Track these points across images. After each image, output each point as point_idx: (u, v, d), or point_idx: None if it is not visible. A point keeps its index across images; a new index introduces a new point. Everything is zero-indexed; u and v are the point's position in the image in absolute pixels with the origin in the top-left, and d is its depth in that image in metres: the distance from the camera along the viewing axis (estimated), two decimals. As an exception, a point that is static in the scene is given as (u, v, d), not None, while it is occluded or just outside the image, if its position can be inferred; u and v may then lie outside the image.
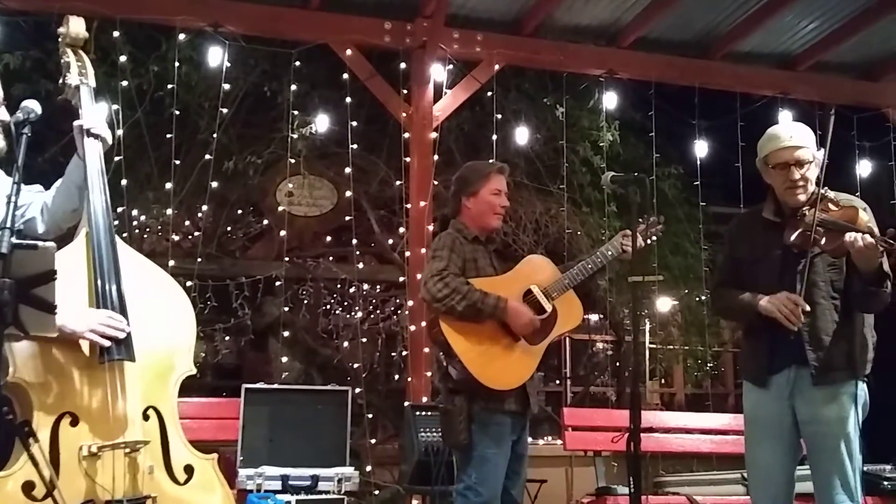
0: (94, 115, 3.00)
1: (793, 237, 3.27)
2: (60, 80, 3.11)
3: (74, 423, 2.64)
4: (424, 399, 5.43)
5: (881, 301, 3.28)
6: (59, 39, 3.13)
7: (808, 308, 3.23)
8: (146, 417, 2.76)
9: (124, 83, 5.71)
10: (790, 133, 3.38)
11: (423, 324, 5.17)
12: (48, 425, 2.61)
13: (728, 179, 6.33)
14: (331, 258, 7.56)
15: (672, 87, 6.62)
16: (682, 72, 6.56)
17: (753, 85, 6.75)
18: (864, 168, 6.99)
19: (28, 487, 2.51)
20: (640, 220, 3.62)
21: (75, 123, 2.97)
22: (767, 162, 3.41)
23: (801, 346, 3.31)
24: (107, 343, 2.66)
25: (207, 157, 5.95)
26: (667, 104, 6.55)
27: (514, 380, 3.62)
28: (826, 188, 3.34)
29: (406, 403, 5.26)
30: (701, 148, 6.70)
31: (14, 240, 2.34)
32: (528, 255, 4.48)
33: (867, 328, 3.39)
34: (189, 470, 2.80)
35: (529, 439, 3.89)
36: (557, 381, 9.27)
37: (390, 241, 7.32)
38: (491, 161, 4.61)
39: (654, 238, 4.00)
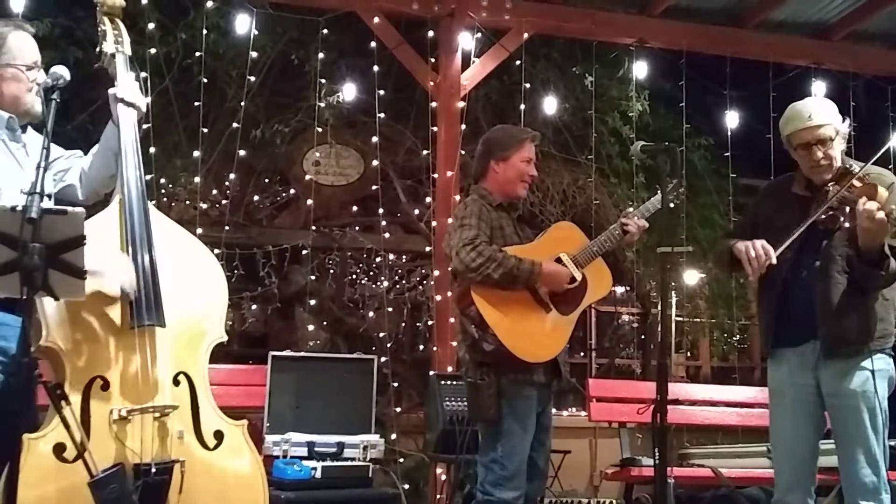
0: (129, 83, 3.02)
1: (818, 214, 3.25)
2: (97, 48, 3.13)
3: (105, 387, 2.68)
4: (449, 369, 5.44)
5: (882, 281, 3.25)
6: (97, 8, 3.16)
7: (774, 262, 3.21)
8: (177, 383, 2.80)
9: (152, 51, 5.71)
10: (809, 112, 3.34)
11: (450, 294, 5.17)
12: (79, 389, 2.65)
13: (758, 151, 6.24)
14: (357, 228, 7.55)
15: (703, 57, 6.51)
16: (714, 41, 6.46)
17: (786, 55, 6.64)
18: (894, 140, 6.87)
19: (59, 449, 2.56)
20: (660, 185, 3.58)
21: (110, 91, 3.00)
22: (789, 142, 3.39)
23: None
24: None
25: (235, 125, 5.96)
26: (697, 74, 6.46)
27: (547, 352, 3.60)
28: (853, 164, 3.31)
29: (431, 373, 5.28)
30: (732, 119, 6.61)
31: (44, 205, 2.36)
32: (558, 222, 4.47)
33: (889, 301, 3.36)
34: (219, 435, 2.83)
35: (553, 410, 3.88)
36: (582, 353, 9.24)
37: (416, 211, 7.31)
38: (524, 127, 4.52)
39: (674, 203, 3.87)
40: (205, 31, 5.71)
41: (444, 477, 5.34)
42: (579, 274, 3.67)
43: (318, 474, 4.33)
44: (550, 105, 6.56)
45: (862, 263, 3.20)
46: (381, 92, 6.01)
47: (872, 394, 3.26)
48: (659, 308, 3.66)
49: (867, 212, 3.06)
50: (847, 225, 3.19)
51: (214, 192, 7.02)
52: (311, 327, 7.66)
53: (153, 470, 2.63)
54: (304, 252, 6.91)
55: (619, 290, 8.58)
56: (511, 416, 3.54)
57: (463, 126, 5.88)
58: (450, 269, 3.79)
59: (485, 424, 3.64)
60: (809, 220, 3.21)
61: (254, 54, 5.84)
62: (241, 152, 6.06)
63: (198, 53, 5.74)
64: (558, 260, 3.67)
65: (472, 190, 3.85)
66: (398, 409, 6.29)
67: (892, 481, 3.44)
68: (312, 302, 7.24)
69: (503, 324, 3.49)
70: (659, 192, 3.63)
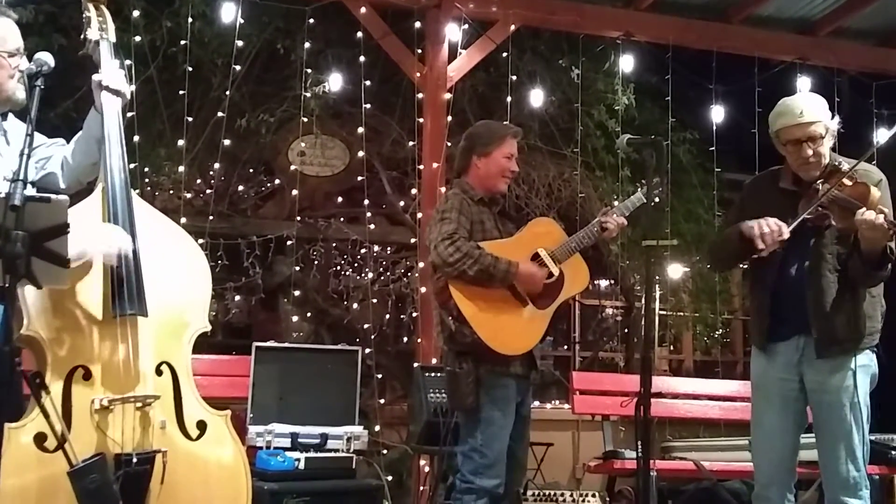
0: (113, 70, 3.00)
1: (809, 211, 3.25)
2: (81, 35, 3.11)
3: (87, 376, 2.67)
4: (434, 360, 5.44)
5: (879, 280, 3.28)
6: None
7: (786, 236, 3.20)
8: (159, 372, 2.78)
9: (137, 39, 5.67)
10: (800, 108, 3.32)
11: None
12: (61, 378, 2.63)
13: (743, 146, 6.27)
14: (342, 219, 7.53)
15: (689, 51, 6.52)
16: (700, 35, 6.47)
17: (771, 50, 6.66)
18: (882, 136, 6.90)
19: (40, 439, 2.54)
20: (640, 183, 3.61)
21: (94, 78, 2.97)
22: (779, 138, 3.38)
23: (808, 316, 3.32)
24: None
25: (220, 114, 5.93)
26: (683, 68, 6.47)
27: (523, 345, 3.65)
28: (842, 161, 3.31)
29: (415, 365, 5.27)
30: (717, 113, 6.63)
31: (27, 192, 2.34)
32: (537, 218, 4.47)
33: (876, 298, 3.38)
34: (202, 426, 2.82)
35: (537, 403, 3.92)
36: (566, 346, 9.27)
37: (402, 203, 7.30)
38: (506, 123, 4.54)
39: (657, 199, 3.90)
40: (190, 20, 5.66)
41: (427, 468, 5.34)
42: (556, 269, 3.71)
43: (302, 465, 4.31)
44: (537, 98, 6.56)
45: (864, 265, 3.20)
46: (368, 83, 6.00)
47: (856, 390, 3.27)
48: (643, 302, 3.67)
49: (867, 221, 3.06)
50: (835, 224, 3.20)
51: (199, 181, 6.98)
52: (295, 318, 7.64)
53: (134, 460, 2.62)
54: (289, 243, 6.88)
55: (604, 283, 8.61)
56: (490, 404, 3.58)
57: (449, 118, 5.87)
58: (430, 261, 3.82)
59: (464, 413, 3.69)
60: (802, 215, 3.22)
61: (239, 43, 5.81)
62: (226, 142, 6.03)
63: (183, 42, 5.70)
64: (536, 255, 3.70)
65: (454, 184, 3.88)
66: (382, 401, 6.29)
67: (873, 476, 3.47)
68: (297, 293, 7.22)
69: (480, 317, 3.55)
70: (640, 188, 3.64)
